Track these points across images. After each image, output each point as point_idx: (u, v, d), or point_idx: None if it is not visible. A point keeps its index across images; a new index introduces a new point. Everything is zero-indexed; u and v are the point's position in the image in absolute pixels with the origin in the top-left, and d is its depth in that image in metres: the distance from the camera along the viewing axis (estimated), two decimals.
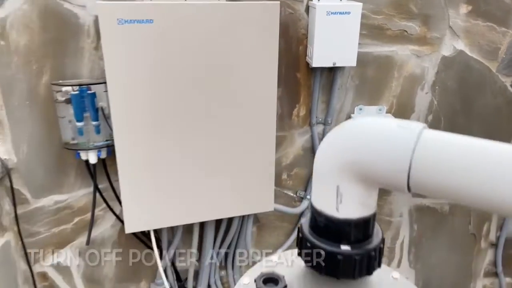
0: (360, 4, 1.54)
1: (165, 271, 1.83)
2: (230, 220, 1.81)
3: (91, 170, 1.59)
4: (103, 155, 1.54)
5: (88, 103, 1.45)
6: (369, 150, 0.48)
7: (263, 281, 0.57)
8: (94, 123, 1.47)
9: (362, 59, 1.71)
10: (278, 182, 1.89)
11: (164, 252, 1.80)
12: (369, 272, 0.53)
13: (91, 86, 1.44)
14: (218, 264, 1.94)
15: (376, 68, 1.76)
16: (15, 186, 1.54)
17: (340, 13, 1.53)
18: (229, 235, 1.85)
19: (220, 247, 1.89)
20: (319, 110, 1.82)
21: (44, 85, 1.47)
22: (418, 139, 0.45)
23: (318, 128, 1.85)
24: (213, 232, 1.83)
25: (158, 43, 1.35)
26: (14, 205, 1.54)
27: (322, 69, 1.70)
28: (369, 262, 0.53)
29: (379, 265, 0.55)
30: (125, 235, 1.76)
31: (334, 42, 1.57)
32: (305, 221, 0.57)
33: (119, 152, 1.44)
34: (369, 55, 1.73)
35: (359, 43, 1.60)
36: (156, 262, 1.84)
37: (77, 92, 1.42)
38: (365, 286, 0.56)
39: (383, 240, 0.56)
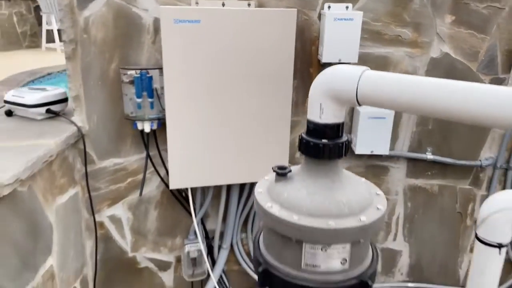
0: (361, 12, 1.94)
1: (195, 231, 2.22)
2: (251, 185, 2.20)
3: (144, 139, 2.02)
4: (155, 126, 1.96)
5: (146, 84, 1.87)
6: (337, 80, 0.86)
7: (277, 168, 0.97)
8: (149, 100, 1.89)
9: (364, 58, 2.09)
10: (291, 159, 2.27)
11: (197, 212, 2.20)
12: (339, 156, 0.91)
13: (149, 70, 1.87)
14: (240, 226, 2.32)
15: (375, 66, 2.14)
16: (86, 149, 1.97)
17: (345, 19, 1.93)
18: (250, 199, 2.24)
19: (242, 211, 2.28)
20: None
21: (113, 70, 1.91)
22: (363, 72, 0.84)
23: None
24: (237, 196, 2.22)
25: (203, 38, 1.78)
26: (85, 164, 1.98)
27: (330, 64, 2.09)
28: (339, 150, 0.91)
29: (345, 154, 0.93)
30: (167, 196, 2.19)
31: (340, 42, 1.97)
32: (303, 131, 0.96)
33: (169, 123, 1.86)
34: (370, 55, 2.12)
35: (361, 45, 1.99)
36: (188, 222, 2.25)
37: (138, 75, 1.85)
38: (336, 165, 0.94)
39: (348, 140, 0.94)
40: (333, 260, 0.90)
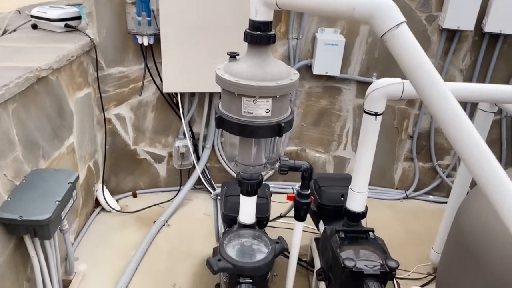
0: (344, 39, 2.48)
1: (183, 131, 2.79)
2: None
3: (143, 51, 2.53)
4: (151, 41, 2.46)
5: (145, 6, 2.36)
6: None
7: (230, 53, 1.50)
8: (148, 18, 2.38)
9: None
10: None
11: (185, 115, 2.76)
12: (268, 43, 1.44)
13: None
14: (220, 131, 2.90)
15: None
16: (97, 57, 2.48)
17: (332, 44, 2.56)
18: None
19: None
20: (294, 28, 2.69)
21: None
22: None
23: (293, 42, 2.73)
24: None
25: None
26: (97, 69, 2.50)
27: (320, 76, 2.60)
28: (267, 39, 1.44)
29: (272, 42, 1.45)
30: (161, 101, 2.73)
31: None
32: (247, 28, 1.48)
33: (163, 38, 2.37)
34: None
35: None
36: (178, 124, 2.81)
37: None
38: (266, 50, 1.47)
39: (274, 34, 1.46)
40: (260, 109, 1.46)
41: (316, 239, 2.24)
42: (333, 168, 3.15)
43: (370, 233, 1.86)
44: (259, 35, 1.43)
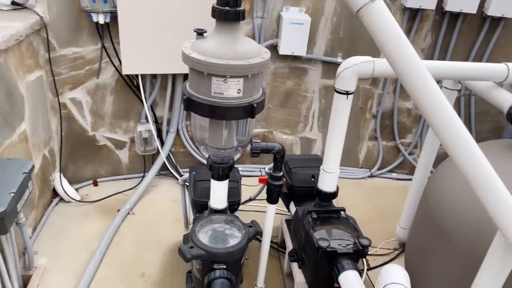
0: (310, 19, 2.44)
1: (145, 115, 2.67)
2: None
3: (99, 30, 2.37)
4: (108, 19, 2.30)
5: None
6: None
7: (197, 29, 1.41)
8: None
9: None
10: None
11: (147, 98, 2.64)
12: (237, 19, 1.37)
13: None
14: (184, 115, 2.80)
15: None
16: (48, 37, 2.29)
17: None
18: None
19: None
20: (259, 7, 2.61)
21: None
22: None
23: (258, 21, 2.65)
24: (181, 87, 2.66)
25: None
26: (48, 50, 2.31)
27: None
28: (236, 15, 1.37)
29: (242, 19, 1.39)
30: (120, 84, 2.59)
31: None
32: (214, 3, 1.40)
33: (120, 16, 2.22)
34: None
35: None
36: (140, 108, 2.68)
37: None
38: (236, 28, 1.40)
39: (244, 9, 1.39)
40: (231, 89, 1.40)
41: (287, 221, 2.23)
42: (300, 149, 3.15)
43: (342, 212, 1.87)
44: (228, 11, 1.36)
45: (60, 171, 2.58)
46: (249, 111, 1.43)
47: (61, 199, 2.61)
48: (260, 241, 2.39)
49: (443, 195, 1.54)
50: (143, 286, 2.09)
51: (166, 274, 2.16)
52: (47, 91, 2.43)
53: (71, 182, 2.70)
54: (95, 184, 2.80)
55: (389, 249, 2.47)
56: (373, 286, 2.22)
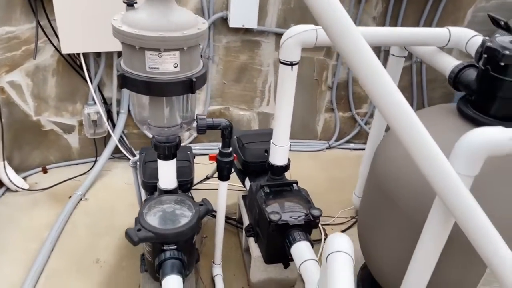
0: None
1: (93, 96, 2.54)
2: None
3: (33, 7, 2.20)
4: None
5: None
6: None
7: (126, 0, 1.32)
8: None
9: None
10: None
11: (92, 79, 2.51)
12: None
13: None
14: None
15: None
16: None
17: None
18: None
19: None
20: None
21: None
22: None
23: None
24: None
25: None
26: None
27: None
28: None
29: None
30: (62, 64, 2.44)
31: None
32: None
33: None
34: None
35: None
36: (86, 89, 2.55)
37: None
38: None
39: None
40: (167, 63, 1.33)
41: (244, 197, 2.22)
42: (258, 124, 3.12)
43: (294, 185, 1.87)
44: None
45: (3, 160, 2.43)
46: (189, 86, 1.37)
47: (8, 189, 2.47)
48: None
49: (389, 162, 1.55)
50: (98, 272, 2.03)
51: (122, 259, 2.11)
52: None
53: (18, 170, 2.56)
54: (45, 171, 2.67)
55: (346, 217, 2.51)
56: None
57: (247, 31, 2.71)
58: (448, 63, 1.57)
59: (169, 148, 1.61)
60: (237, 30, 2.69)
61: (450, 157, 1.11)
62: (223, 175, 1.76)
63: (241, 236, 2.26)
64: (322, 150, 3.20)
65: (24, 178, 2.58)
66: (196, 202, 1.65)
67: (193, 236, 1.63)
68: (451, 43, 1.62)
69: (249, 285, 2.01)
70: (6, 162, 2.47)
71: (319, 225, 2.42)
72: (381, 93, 1.02)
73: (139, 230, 1.52)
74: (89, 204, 2.46)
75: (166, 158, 1.64)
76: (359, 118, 3.16)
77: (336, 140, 3.22)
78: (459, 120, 1.47)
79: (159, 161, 1.66)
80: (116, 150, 2.75)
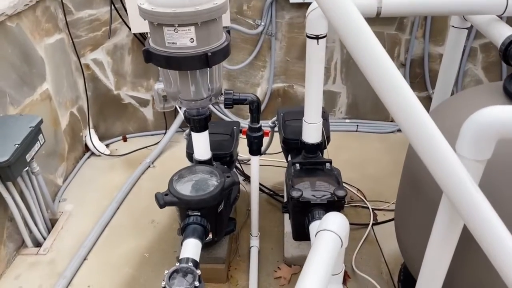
0: None
1: None
2: None
3: None
4: None
5: None
6: None
7: None
8: None
9: None
10: (240, 12, 2.66)
11: None
12: None
13: None
14: None
15: None
16: (63, 1, 2.45)
17: None
18: None
19: None
20: None
21: None
22: None
23: None
24: None
25: None
26: (64, 13, 2.48)
27: None
28: None
29: None
30: (136, 43, 2.69)
31: None
32: None
33: None
34: None
35: None
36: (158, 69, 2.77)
37: None
38: None
39: None
40: (183, 38, 1.39)
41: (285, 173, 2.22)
42: (324, 103, 3.04)
43: (327, 164, 1.81)
44: None
45: (89, 128, 2.82)
46: (204, 60, 1.42)
47: (92, 153, 2.86)
48: (266, 194, 2.43)
49: None
50: (152, 231, 2.26)
51: (174, 221, 2.31)
52: (70, 53, 2.62)
53: (103, 138, 2.94)
54: (125, 139, 3.01)
55: None
56: (377, 241, 2.15)
57: (309, 5, 2.62)
58: (501, 34, 1.34)
59: (199, 121, 1.70)
60: (300, 6, 2.64)
61: (458, 140, 0.98)
62: (252, 150, 1.79)
63: None
64: (392, 132, 2.99)
65: (107, 145, 2.94)
66: (224, 174, 1.72)
67: (218, 205, 1.70)
68: (509, 11, 1.38)
69: (284, 260, 2.04)
70: (92, 131, 2.85)
71: (370, 209, 2.31)
72: (365, 56, 0.95)
73: (166, 194, 1.65)
74: (155, 171, 2.71)
75: (198, 130, 1.73)
76: None
77: None
78: (504, 101, 1.27)
79: (192, 133, 1.77)
80: (184, 124, 2.96)
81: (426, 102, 2.92)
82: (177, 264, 1.46)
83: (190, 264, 1.46)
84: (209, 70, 1.52)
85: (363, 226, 2.22)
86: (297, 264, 2.00)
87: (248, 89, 2.98)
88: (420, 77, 2.84)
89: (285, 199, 2.08)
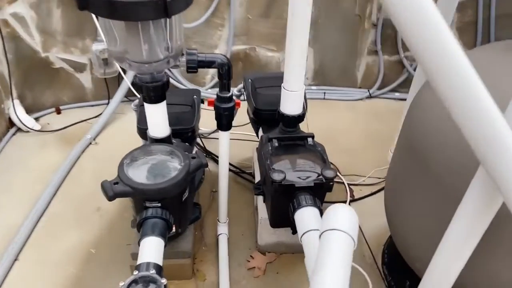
0: None
1: None
2: None
3: None
4: None
5: None
6: None
7: None
8: None
9: None
10: None
11: None
12: None
13: None
14: None
15: None
16: None
17: None
18: None
19: None
20: None
21: None
22: None
23: None
24: None
25: None
26: None
27: None
28: None
29: None
30: None
31: None
32: None
33: None
34: None
35: None
36: (95, 24, 2.32)
37: None
38: None
39: None
40: None
41: (257, 149, 1.95)
42: None
43: (309, 139, 1.55)
44: None
45: (12, 99, 2.33)
46: (161, 7, 1.07)
47: (19, 129, 2.39)
48: (233, 172, 2.15)
49: (425, 115, 1.19)
50: (98, 221, 1.91)
51: (124, 209, 1.97)
52: None
53: (31, 111, 2.46)
54: (58, 112, 2.56)
55: (379, 178, 2.17)
56: None
57: None
58: None
59: (155, 89, 1.35)
60: None
61: (507, 109, 0.75)
62: (221, 124, 1.49)
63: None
64: (361, 99, 2.80)
65: (37, 118, 2.48)
66: (188, 155, 1.41)
67: (182, 193, 1.40)
68: None
69: (257, 247, 1.80)
70: (17, 101, 2.37)
71: (346, 185, 2.12)
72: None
73: (116, 183, 1.31)
74: (98, 149, 2.32)
75: (153, 100, 1.38)
76: (407, 63, 2.69)
77: (379, 89, 2.80)
78: None
79: (146, 104, 1.42)
80: (131, 92, 2.55)
81: (398, 66, 2.74)
82: (135, 272, 1.16)
83: (152, 271, 1.16)
84: (168, 21, 1.17)
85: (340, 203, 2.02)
86: (272, 251, 1.77)
87: (204, 51, 2.61)
88: (392, 38, 2.64)
89: (256, 179, 1.81)
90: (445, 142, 1.08)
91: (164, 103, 1.41)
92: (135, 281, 1.14)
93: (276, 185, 1.35)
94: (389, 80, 2.78)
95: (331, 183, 1.38)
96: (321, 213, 1.33)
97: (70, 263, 1.72)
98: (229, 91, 1.42)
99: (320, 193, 1.39)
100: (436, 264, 1.09)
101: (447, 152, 1.07)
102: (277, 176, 1.35)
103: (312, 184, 1.35)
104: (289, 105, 1.50)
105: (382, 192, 2.09)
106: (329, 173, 1.37)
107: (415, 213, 1.28)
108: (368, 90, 2.79)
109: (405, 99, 2.76)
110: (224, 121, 1.47)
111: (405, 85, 2.78)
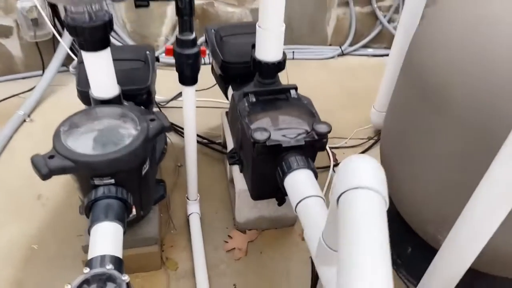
0: None
1: None
2: None
3: None
4: None
5: None
6: None
7: None
8: None
9: None
10: None
11: None
12: None
13: None
14: None
15: None
16: None
17: None
18: None
19: None
20: None
21: None
22: None
23: None
24: None
25: None
26: None
27: None
28: None
29: None
30: None
31: None
32: None
33: None
34: None
35: None
36: None
37: None
38: None
39: None
40: None
41: (227, 113, 1.67)
42: None
43: (292, 91, 1.30)
44: None
45: None
46: None
47: None
48: (200, 143, 1.87)
49: (432, 50, 0.97)
50: (40, 211, 1.58)
51: (70, 195, 1.64)
52: None
53: None
54: None
55: (362, 138, 1.98)
56: None
57: None
58: None
59: (94, 31, 1.03)
60: None
61: None
62: (185, 77, 1.19)
63: (226, 164, 1.75)
64: (333, 57, 2.57)
65: None
66: (145, 117, 1.11)
67: (142, 165, 1.11)
68: None
69: (235, 225, 1.55)
70: None
71: (328, 149, 1.90)
72: None
73: (51, 157, 1.00)
74: (34, 127, 1.95)
75: (93, 47, 1.07)
76: (381, 14, 2.48)
77: (351, 45, 2.58)
78: None
79: (84, 55, 1.09)
80: (70, 59, 2.16)
81: (370, 18, 2.53)
82: (86, 270, 0.87)
83: (109, 266, 0.88)
84: None
85: (323, 169, 1.80)
86: (252, 228, 1.53)
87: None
88: None
89: (228, 148, 1.54)
90: (462, 74, 0.86)
91: (108, 51, 1.10)
92: (86, 282, 0.85)
93: (259, 146, 1.09)
94: (361, 35, 2.57)
95: (325, 140, 1.14)
96: (316, 176, 1.10)
97: (7, 263, 1.40)
98: (192, 32, 1.12)
99: (312, 153, 1.15)
100: (461, 227, 0.89)
101: (467, 85, 0.85)
102: (260, 136, 1.09)
103: (303, 143, 1.11)
104: (267, 49, 1.23)
105: (370, 153, 1.91)
106: (322, 128, 1.13)
107: (427, 166, 1.07)
108: (340, 47, 2.57)
109: (379, 55, 2.59)
110: (188, 72, 1.17)
111: (379, 39, 2.59)
